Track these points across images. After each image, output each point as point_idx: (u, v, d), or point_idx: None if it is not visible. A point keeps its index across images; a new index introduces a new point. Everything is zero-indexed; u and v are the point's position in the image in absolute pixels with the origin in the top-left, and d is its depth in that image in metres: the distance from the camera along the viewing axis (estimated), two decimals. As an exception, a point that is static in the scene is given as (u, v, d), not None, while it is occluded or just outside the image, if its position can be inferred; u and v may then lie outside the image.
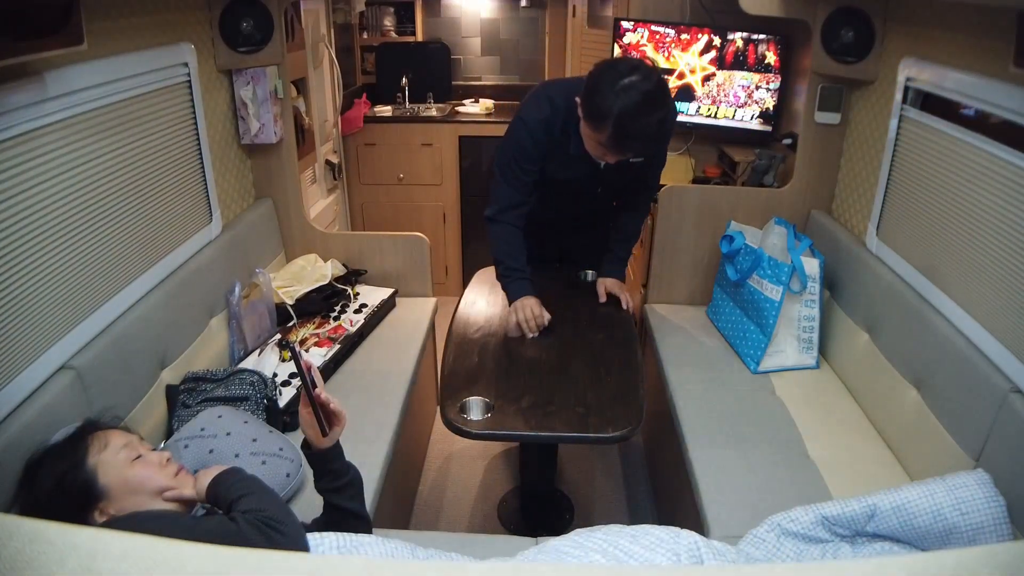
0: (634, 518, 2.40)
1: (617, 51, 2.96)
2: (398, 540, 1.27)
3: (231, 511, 1.15)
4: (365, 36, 4.34)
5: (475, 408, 1.73)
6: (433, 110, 4.16)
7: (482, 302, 2.32)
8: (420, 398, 2.52)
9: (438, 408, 1.79)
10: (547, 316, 2.07)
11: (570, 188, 2.17)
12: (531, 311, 2.06)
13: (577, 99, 1.89)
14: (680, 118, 2.81)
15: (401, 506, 2.24)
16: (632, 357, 1.96)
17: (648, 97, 1.77)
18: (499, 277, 2.18)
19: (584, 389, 1.80)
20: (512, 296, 2.12)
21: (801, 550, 1.44)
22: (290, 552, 0.49)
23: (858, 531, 1.47)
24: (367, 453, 1.82)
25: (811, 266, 2.19)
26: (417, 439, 2.51)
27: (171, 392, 1.84)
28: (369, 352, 2.34)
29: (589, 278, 2.42)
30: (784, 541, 1.45)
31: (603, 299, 2.26)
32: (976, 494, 1.42)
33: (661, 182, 2.75)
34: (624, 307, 2.25)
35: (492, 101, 4.27)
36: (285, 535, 1.10)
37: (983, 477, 1.44)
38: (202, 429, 1.62)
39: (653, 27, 2.88)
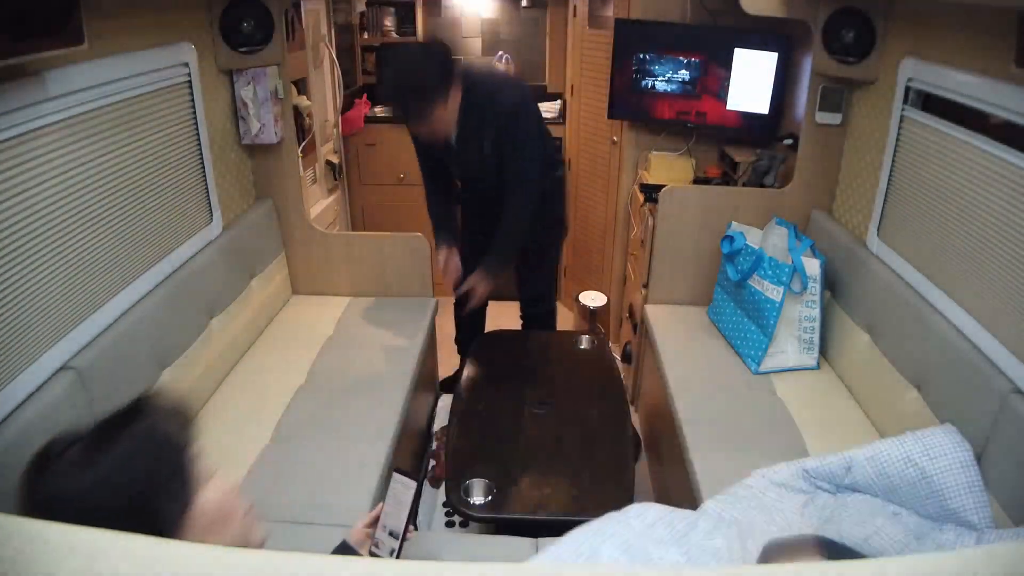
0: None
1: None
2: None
3: None
4: (366, 36, 4.33)
5: (478, 490, 1.77)
6: (434, 110, 4.15)
7: (483, 371, 2.34)
8: (421, 399, 2.52)
9: (443, 484, 1.88)
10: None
11: (459, 173, 2.50)
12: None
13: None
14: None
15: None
16: (623, 433, 2.01)
17: (391, 60, 2.14)
18: (515, 241, 2.38)
19: (578, 468, 1.86)
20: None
21: (783, 496, 1.54)
22: (291, 553, 0.49)
23: (838, 484, 1.57)
24: (368, 454, 1.82)
25: (812, 266, 2.19)
26: (417, 439, 2.51)
27: None
28: (370, 352, 2.34)
29: (583, 344, 2.53)
30: (769, 489, 1.55)
31: (460, 290, 2.41)
32: (943, 440, 1.51)
33: (660, 182, 2.76)
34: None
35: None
36: None
37: (949, 428, 1.54)
38: None
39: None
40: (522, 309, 2.83)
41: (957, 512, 1.45)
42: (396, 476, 1.24)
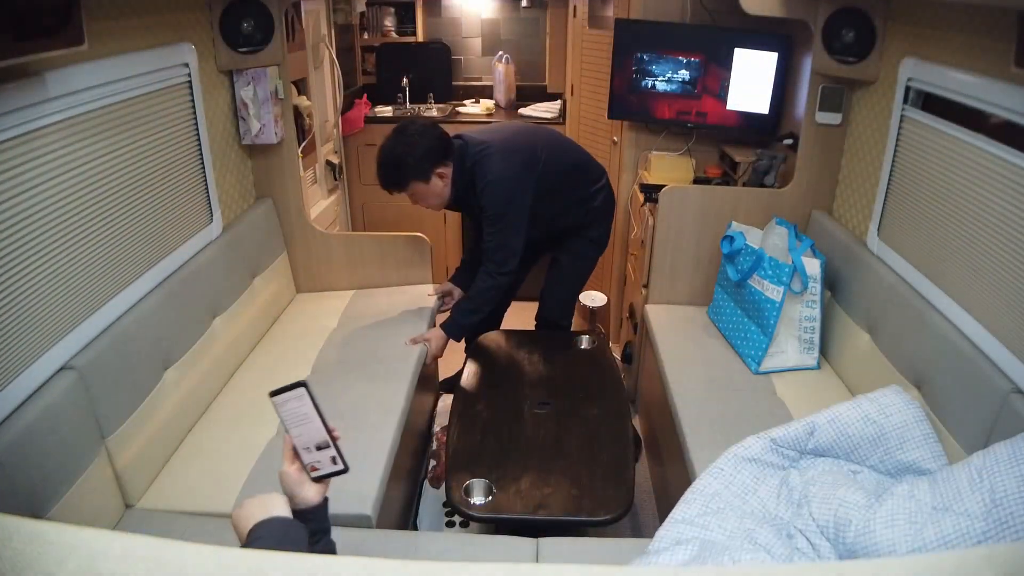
0: (634, 519, 2.40)
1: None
2: None
3: None
4: (366, 36, 4.34)
5: (478, 490, 1.77)
6: (434, 110, 4.16)
7: (483, 371, 2.34)
8: (421, 399, 2.52)
9: (444, 483, 1.87)
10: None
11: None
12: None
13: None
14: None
15: (403, 506, 2.24)
16: (623, 433, 2.00)
17: (387, 137, 2.32)
18: (472, 313, 2.43)
19: (578, 468, 1.85)
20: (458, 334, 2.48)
21: (758, 473, 1.61)
22: (290, 552, 0.49)
23: (802, 450, 1.65)
24: (369, 454, 1.82)
25: (812, 266, 2.19)
26: (417, 439, 2.51)
27: None
28: (371, 352, 2.34)
29: (583, 344, 2.53)
30: (742, 467, 1.61)
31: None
32: (894, 399, 1.63)
33: (660, 182, 2.76)
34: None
35: (493, 101, 4.27)
36: None
37: (897, 388, 1.67)
38: None
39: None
40: (538, 323, 2.83)
41: (915, 463, 1.56)
42: (275, 400, 1.08)
